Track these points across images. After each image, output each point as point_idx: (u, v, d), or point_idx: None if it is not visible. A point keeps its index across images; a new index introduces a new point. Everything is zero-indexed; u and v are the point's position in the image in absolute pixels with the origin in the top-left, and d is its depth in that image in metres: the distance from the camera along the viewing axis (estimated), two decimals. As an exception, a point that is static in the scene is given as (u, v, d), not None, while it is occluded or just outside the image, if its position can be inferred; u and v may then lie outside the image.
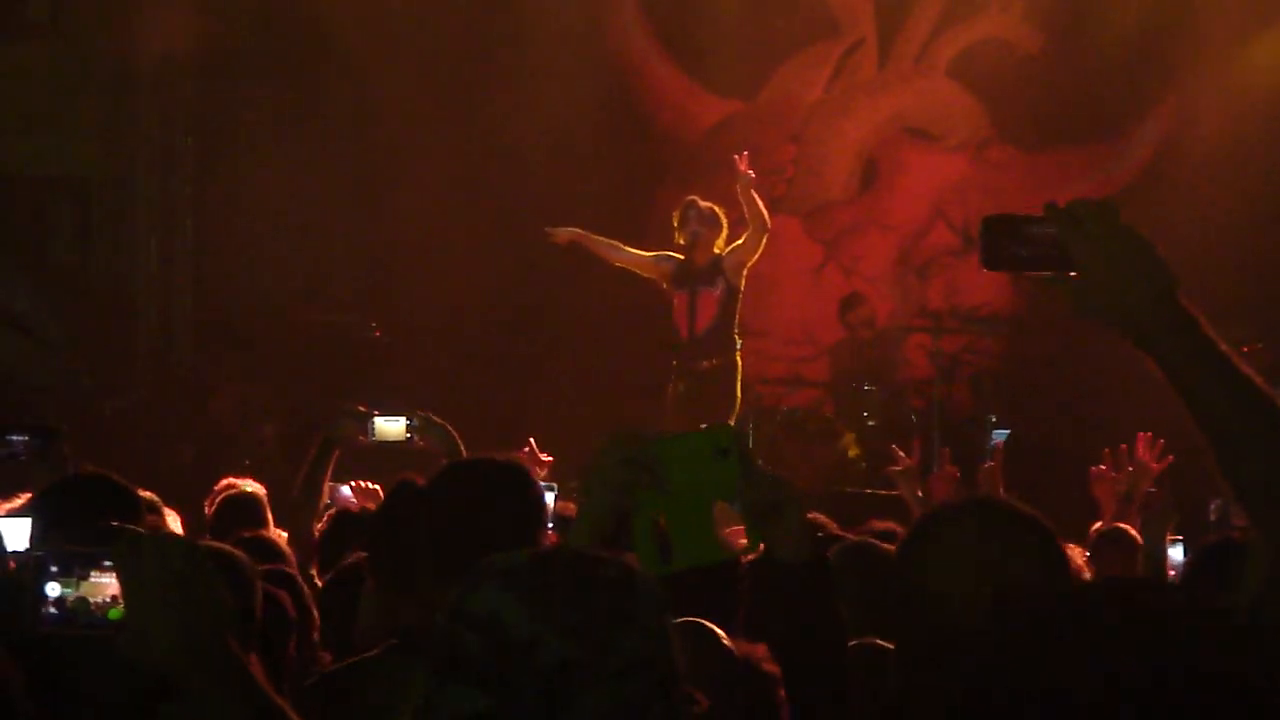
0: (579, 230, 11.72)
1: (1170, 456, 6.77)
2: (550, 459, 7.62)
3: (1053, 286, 2.51)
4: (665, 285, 11.55)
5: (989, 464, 7.63)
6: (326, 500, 6.56)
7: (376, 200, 14.48)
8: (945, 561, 2.71)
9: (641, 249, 11.71)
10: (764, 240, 11.15)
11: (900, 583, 2.79)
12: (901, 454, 7.68)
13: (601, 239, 11.72)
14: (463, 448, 6.09)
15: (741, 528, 2.85)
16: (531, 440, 7.68)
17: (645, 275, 11.68)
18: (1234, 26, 13.67)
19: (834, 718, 2.96)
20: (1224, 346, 2.43)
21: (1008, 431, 13.43)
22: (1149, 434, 6.73)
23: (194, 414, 13.67)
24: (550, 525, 4.73)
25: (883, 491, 12.38)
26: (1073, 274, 2.49)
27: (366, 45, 14.12)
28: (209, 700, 2.34)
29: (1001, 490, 7.15)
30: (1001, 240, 2.54)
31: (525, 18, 14.41)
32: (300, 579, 4.94)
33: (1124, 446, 6.62)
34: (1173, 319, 2.44)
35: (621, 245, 11.67)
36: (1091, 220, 2.48)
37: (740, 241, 11.20)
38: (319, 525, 6.27)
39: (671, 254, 11.48)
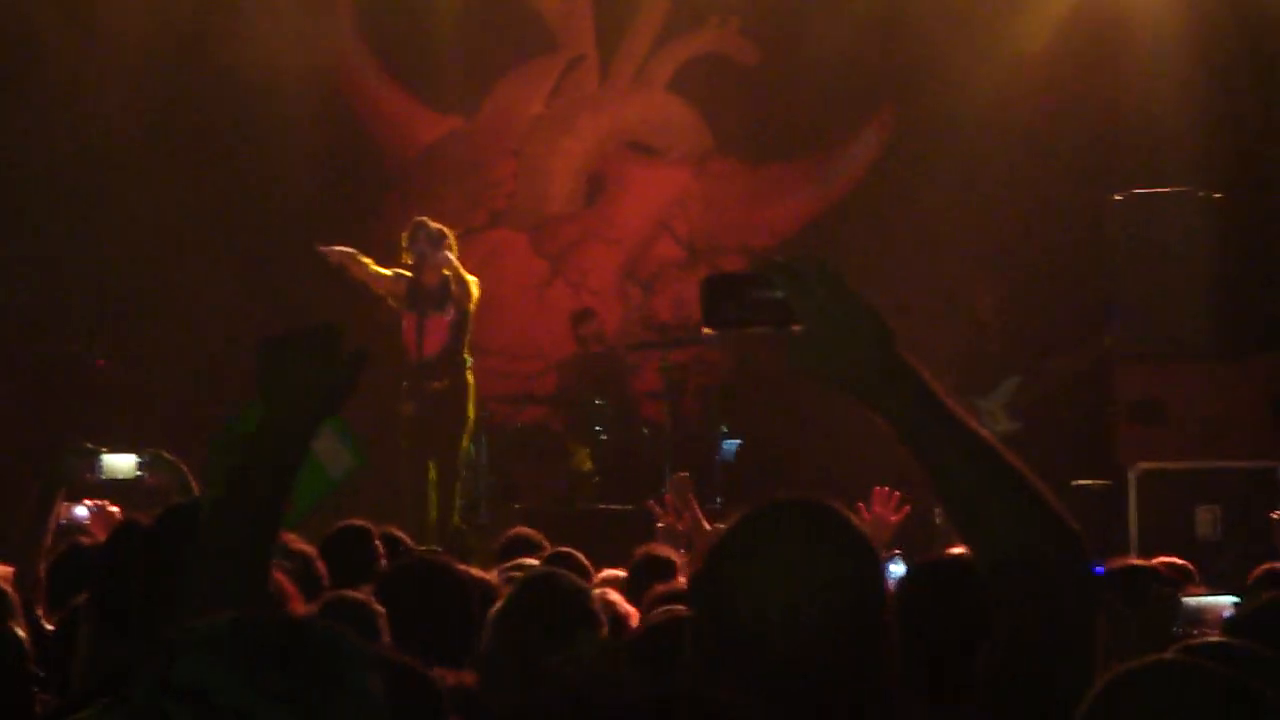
0: (350, 250, 11.44)
1: (907, 508, 6.74)
2: None
3: (774, 343, 2.51)
4: (395, 304, 11.39)
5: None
6: (63, 520, 6.31)
7: (97, 224, 14.03)
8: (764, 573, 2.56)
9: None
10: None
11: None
12: (658, 510, 7.78)
13: (368, 260, 11.46)
14: (195, 485, 5.89)
15: None
16: None
17: (381, 292, 11.52)
18: (948, 35, 13.91)
19: None
20: (946, 399, 2.45)
21: (738, 442, 13.54)
22: (885, 488, 6.69)
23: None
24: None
25: (616, 507, 12.39)
26: (793, 330, 2.49)
27: (80, 60, 13.70)
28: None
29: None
30: (721, 300, 2.54)
31: (239, 31, 14.11)
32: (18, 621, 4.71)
33: (860, 504, 6.55)
34: (894, 373, 2.46)
35: (376, 266, 11.45)
36: (811, 276, 2.48)
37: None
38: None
39: (402, 272, 11.35)
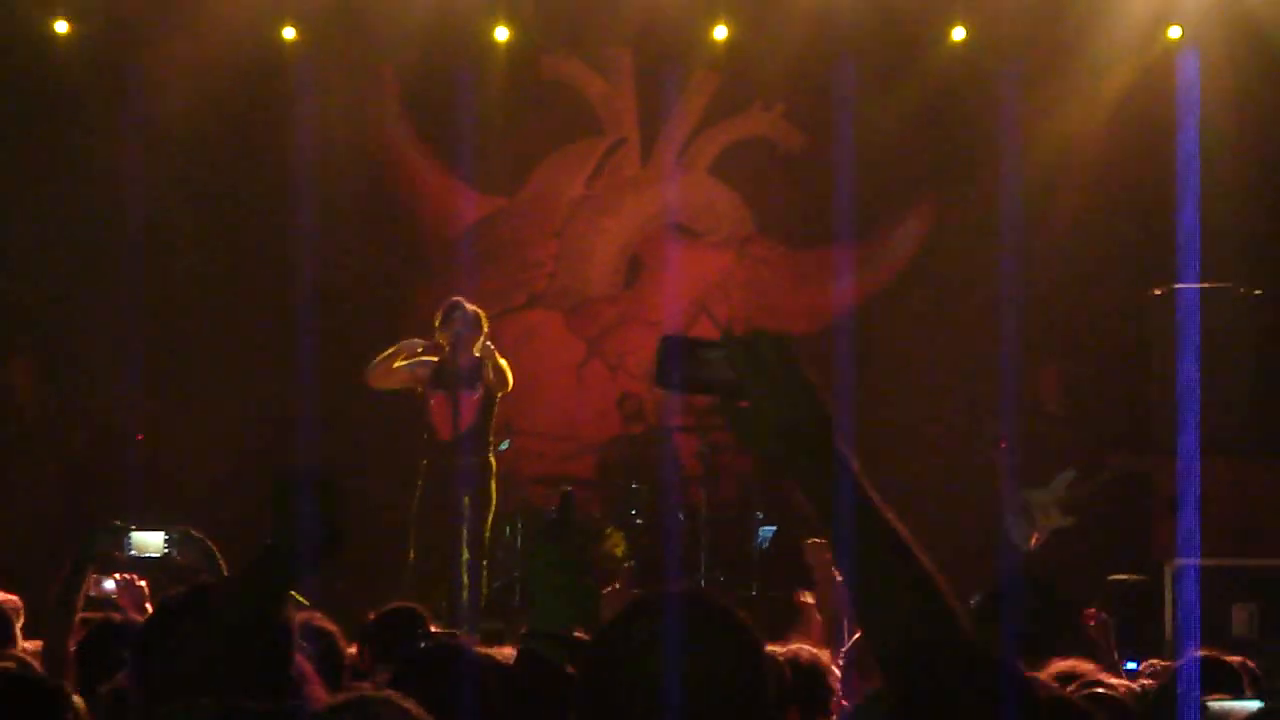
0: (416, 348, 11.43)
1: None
2: None
3: (721, 411, 2.55)
4: (420, 389, 11.39)
5: None
6: (91, 593, 6.31)
7: (142, 302, 14.10)
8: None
9: (397, 345, 11.47)
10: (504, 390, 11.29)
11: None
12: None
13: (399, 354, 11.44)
14: (223, 564, 5.88)
15: None
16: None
17: (394, 387, 11.51)
18: (991, 129, 13.96)
19: None
20: (871, 493, 2.49)
21: (774, 529, 13.48)
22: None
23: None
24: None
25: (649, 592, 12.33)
26: (739, 403, 2.52)
27: (126, 139, 13.84)
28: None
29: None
30: (675, 361, 2.57)
31: (287, 105, 14.25)
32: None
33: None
34: (825, 460, 2.49)
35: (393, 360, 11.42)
36: (764, 350, 2.52)
37: (487, 377, 11.21)
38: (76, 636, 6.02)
39: (424, 359, 11.33)
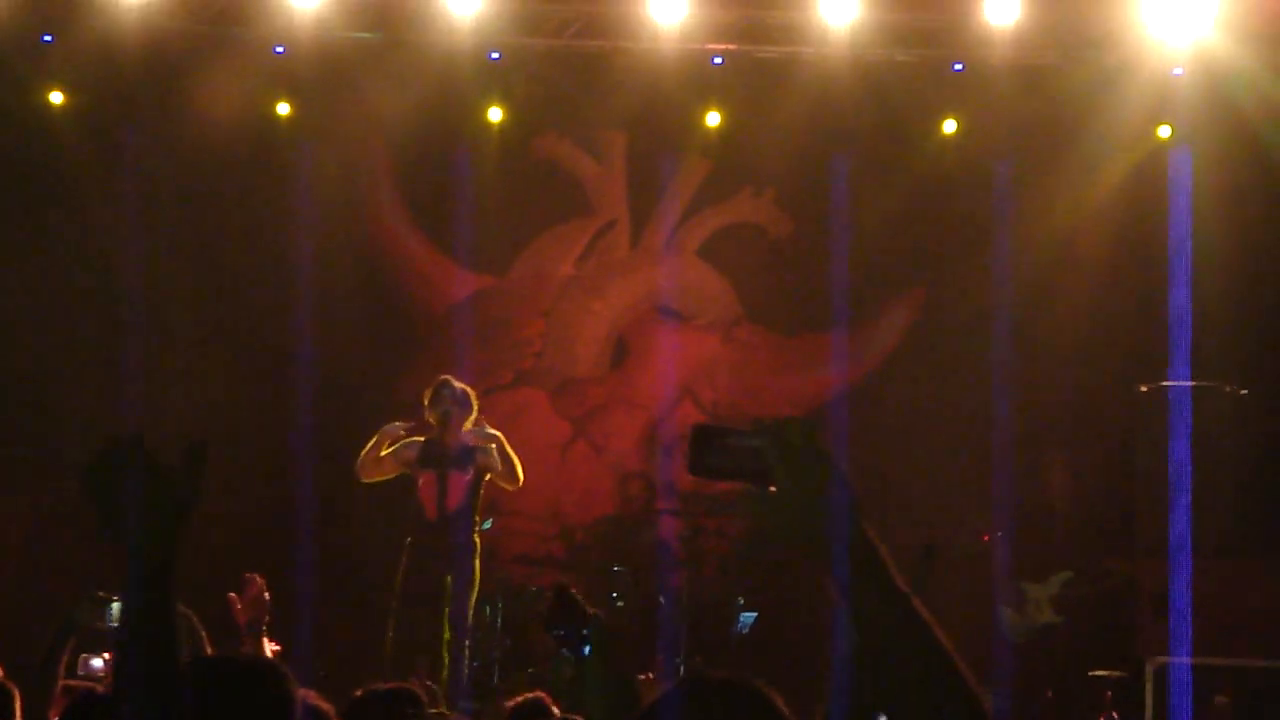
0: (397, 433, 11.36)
1: None
2: (279, 648, 7.36)
3: (748, 500, 2.54)
4: (408, 470, 11.33)
5: None
6: (80, 672, 6.28)
7: (129, 376, 14.08)
8: None
9: (379, 434, 11.40)
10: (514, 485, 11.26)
11: None
12: None
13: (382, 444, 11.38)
14: (206, 638, 5.84)
15: None
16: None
17: (388, 475, 11.45)
18: (982, 222, 14.05)
19: None
20: (898, 581, 2.50)
21: (754, 615, 13.45)
22: None
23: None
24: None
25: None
26: (769, 490, 2.52)
27: (112, 210, 13.87)
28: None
29: None
30: (706, 449, 2.57)
31: (280, 180, 14.30)
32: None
33: None
34: (854, 548, 2.49)
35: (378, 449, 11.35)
36: (794, 438, 2.52)
37: (498, 469, 11.13)
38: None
39: (410, 440, 11.28)
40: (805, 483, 2.51)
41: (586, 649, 3.47)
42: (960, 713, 2.51)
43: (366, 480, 11.37)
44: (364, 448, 11.31)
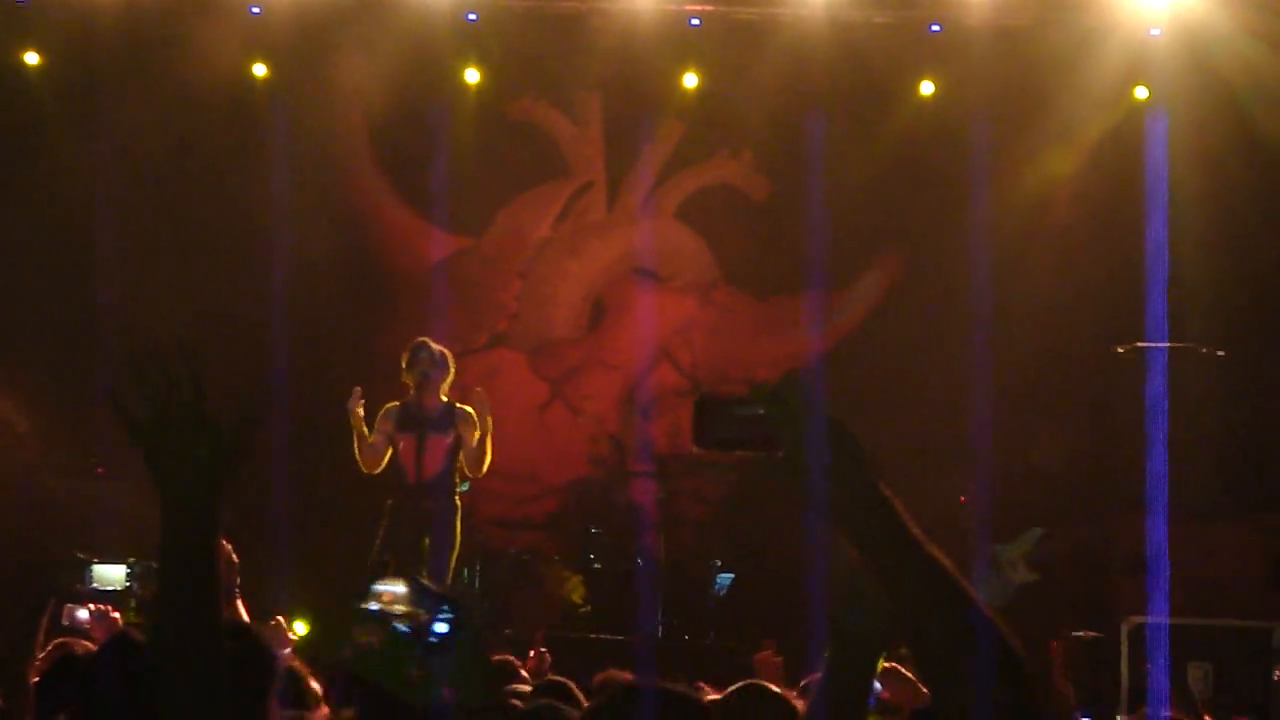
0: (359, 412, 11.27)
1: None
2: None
3: (760, 465, 2.54)
4: (384, 440, 11.25)
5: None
6: (65, 622, 6.27)
7: (106, 336, 14.03)
8: None
9: (351, 420, 11.30)
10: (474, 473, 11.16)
11: None
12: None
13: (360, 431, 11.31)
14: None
15: None
16: (279, 617, 7.37)
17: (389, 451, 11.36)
18: (959, 184, 14.05)
19: None
20: (915, 530, 2.49)
21: (731, 576, 13.47)
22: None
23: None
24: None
25: (607, 637, 12.31)
26: (779, 454, 2.52)
27: (88, 172, 13.82)
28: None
29: None
30: (711, 420, 2.58)
31: (257, 141, 14.27)
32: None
33: None
34: (868, 502, 2.50)
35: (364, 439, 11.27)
36: (795, 400, 2.52)
37: (472, 446, 11.04)
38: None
39: (387, 408, 11.22)
40: (811, 443, 2.51)
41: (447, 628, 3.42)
42: (994, 658, 2.49)
43: (376, 471, 11.25)
44: (354, 446, 11.20)
